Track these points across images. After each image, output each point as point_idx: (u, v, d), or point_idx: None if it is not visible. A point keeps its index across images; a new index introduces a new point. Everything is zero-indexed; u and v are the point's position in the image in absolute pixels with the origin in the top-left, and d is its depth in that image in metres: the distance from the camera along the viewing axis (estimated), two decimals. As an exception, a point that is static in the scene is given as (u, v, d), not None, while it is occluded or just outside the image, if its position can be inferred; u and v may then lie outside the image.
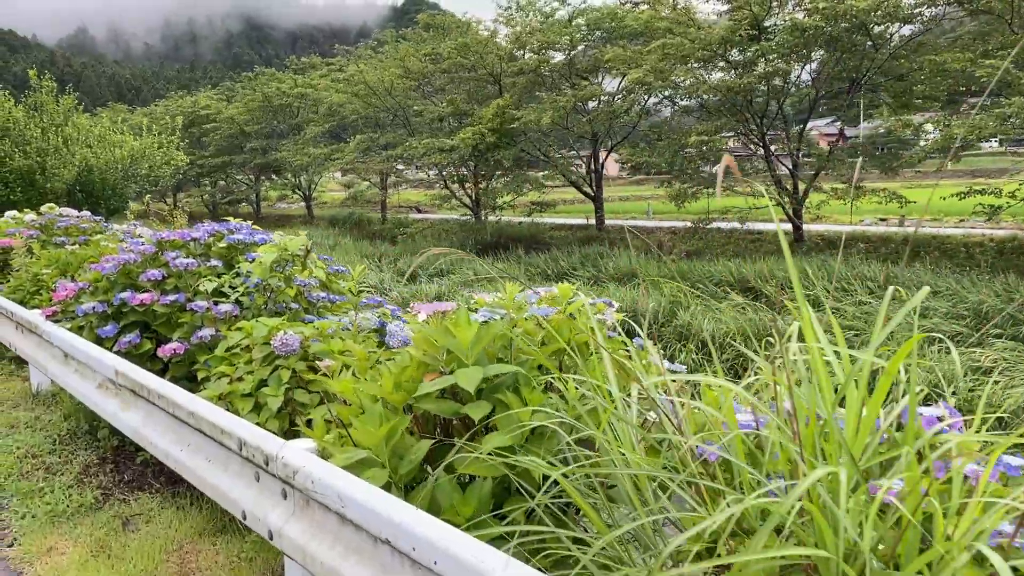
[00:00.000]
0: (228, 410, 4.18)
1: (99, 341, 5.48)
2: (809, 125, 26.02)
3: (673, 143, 25.06)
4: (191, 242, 5.78)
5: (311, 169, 46.07)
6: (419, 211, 51.89)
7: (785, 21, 22.30)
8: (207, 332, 5.04)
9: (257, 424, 4.15)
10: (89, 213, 10.78)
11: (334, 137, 48.32)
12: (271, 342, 4.38)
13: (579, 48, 30.36)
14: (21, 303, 8.29)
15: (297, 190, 51.35)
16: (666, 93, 25.65)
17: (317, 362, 4.05)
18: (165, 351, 5.02)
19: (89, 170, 15.17)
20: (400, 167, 41.88)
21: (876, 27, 21.48)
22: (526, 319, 3.40)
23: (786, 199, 23.98)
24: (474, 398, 3.05)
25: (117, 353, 5.19)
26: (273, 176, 53.23)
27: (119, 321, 5.51)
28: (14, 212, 10.99)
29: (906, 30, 22.53)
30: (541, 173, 33.29)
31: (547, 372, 3.32)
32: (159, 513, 4.44)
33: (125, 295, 5.38)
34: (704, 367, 16.83)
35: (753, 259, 23.50)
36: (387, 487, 2.85)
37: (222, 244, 5.86)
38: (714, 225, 25.94)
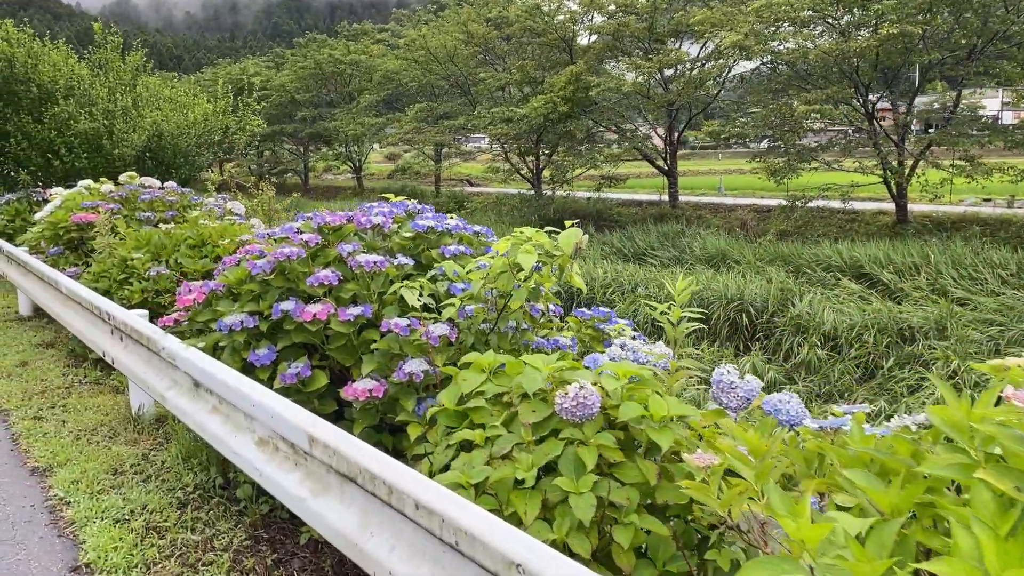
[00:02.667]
0: (501, 516, 2.58)
1: (247, 369, 3.91)
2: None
3: (771, 112, 23.00)
4: (371, 229, 4.15)
5: (365, 139, 44.45)
6: (471, 184, 50.28)
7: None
8: (417, 366, 3.42)
9: (553, 542, 2.54)
10: (174, 184, 9.25)
11: (387, 106, 46.67)
12: (556, 400, 2.75)
13: (659, 10, 28.22)
14: (106, 293, 6.81)
15: (348, 161, 49.76)
16: (765, 59, 23.53)
17: (679, 450, 2.42)
18: (356, 392, 3.42)
19: (160, 135, 13.68)
20: (459, 138, 40.16)
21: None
22: None
23: (891, 176, 21.91)
24: None
25: (281, 391, 3.60)
26: (322, 146, 51.74)
27: (275, 341, 3.93)
28: (88, 182, 9.50)
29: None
30: (612, 145, 31.37)
31: None
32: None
33: (287, 305, 3.78)
34: (825, 363, 15.12)
35: (859, 241, 21.57)
36: None
37: (406, 233, 4.24)
38: (800, 204, 23.92)
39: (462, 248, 4.17)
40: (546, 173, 33.51)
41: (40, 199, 12.93)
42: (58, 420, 5.51)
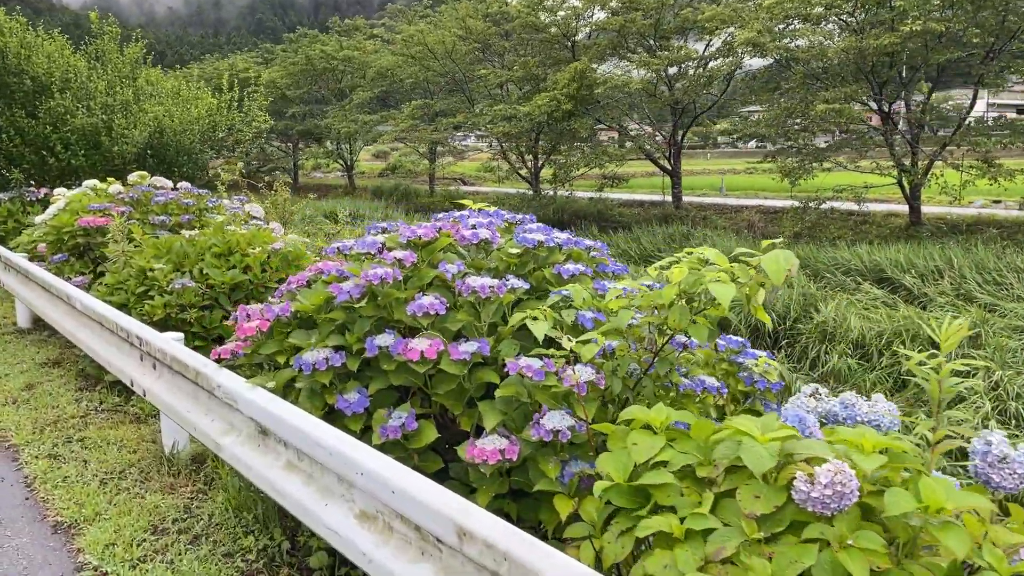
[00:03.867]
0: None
1: (329, 416, 3.20)
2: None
3: (783, 112, 22.41)
4: (478, 244, 3.45)
5: (358, 137, 43.59)
6: (464, 183, 49.60)
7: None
8: (560, 421, 2.73)
9: None
10: (189, 184, 8.49)
11: (380, 103, 45.81)
12: (797, 485, 2.08)
13: (666, 6, 27.56)
14: (122, 307, 6.08)
15: (340, 159, 48.85)
16: (777, 56, 22.86)
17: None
18: (484, 453, 2.72)
19: (161, 131, 12.85)
20: (459, 135, 39.44)
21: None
22: None
23: (907, 177, 21.40)
24: None
25: (380, 447, 2.90)
26: (312, 144, 50.73)
27: (363, 382, 3.22)
28: (94, 182, 8.71)
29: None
30: (617, 144, 30.77)
31: None
32: None
33: (385, 340, 3.08)
34: (856, 372, 14.56)
35: (875, 244, 21.03)
36: None
37: (513, 249, 3.54)
38: (813, 205, 23.38)
39: (581, 267, 3.48)
40: (546, 172, 32.86)
41: (34, 199, 12.12)
42: (78, 460, 4.77)
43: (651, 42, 28.23)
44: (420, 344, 3.01)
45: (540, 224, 3.82)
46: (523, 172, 34.00)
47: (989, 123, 24.01)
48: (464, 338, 3.11)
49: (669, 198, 30.92)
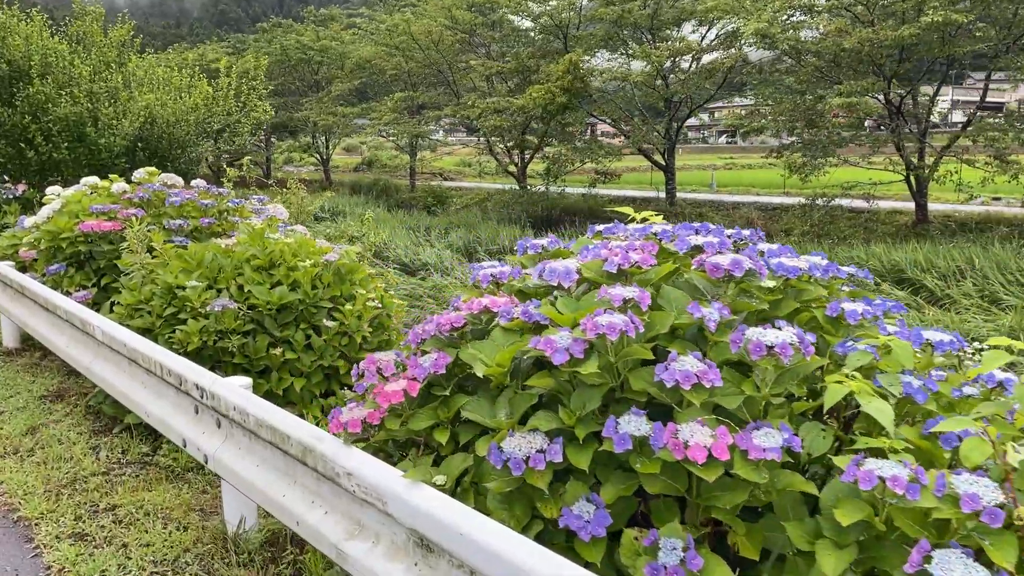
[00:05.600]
0: None
1: (539, 536, 2.18)
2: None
3: (794, 106, 21.64)
4: (748, 277, 2.44)
5: (336, 130, 42.23)
6: (444, 179, 48.56)
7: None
8: (966, 570, 1.75)
9: None
10: (203, 182, 7.37)
11: (359, 96, 44.45)
12: None
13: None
14: (146, 332, 5.00)
15: (316, 153, 47.41)
16: (787, 47, 22.00)
17: None
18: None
19: (153, 122, 11.60)
20: (443, 131, 38.37)
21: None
22: None
23: (921, 173, 20.78)
24: None
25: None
26: (287, 137, 49.15)
27: (585, 482, 2.21)
28: (94, 179, 7.52)
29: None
30: (614, 139, 29.92)
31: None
32: None
33: (639, 427, 2.06)
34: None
35: (886, 243, 20.36)
36: None
37: (769, 282, 2.54)
38: (821, 203, 22.69)
39: (867, 307, 2.49)
40: (536, 167, 31.93)
41: (10, 196, 10.86)
42: (114, 542, 3.68)
43: (645, 34, 27.38)
44: (700, 436, 2.00)
45: (780, 244, 2.83)
46: (511, 168, 33.02)
47: (951, 119, 23.52)
48: (755, 425, 2.10)
49: (662, 194, 30.12)
